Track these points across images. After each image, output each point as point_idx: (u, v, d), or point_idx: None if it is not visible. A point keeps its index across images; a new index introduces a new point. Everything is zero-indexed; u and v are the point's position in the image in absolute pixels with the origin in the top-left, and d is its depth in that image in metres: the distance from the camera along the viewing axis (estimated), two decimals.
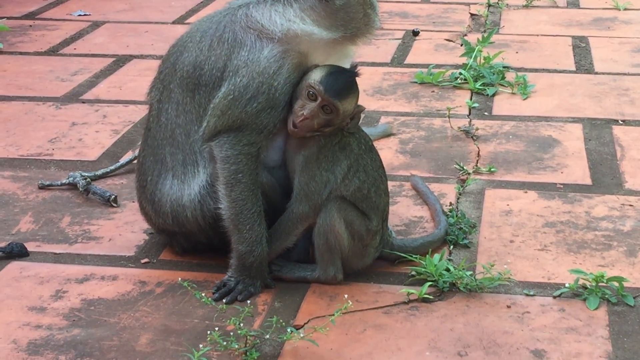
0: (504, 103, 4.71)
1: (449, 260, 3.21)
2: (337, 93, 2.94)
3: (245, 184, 3.00)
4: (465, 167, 3.93)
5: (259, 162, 3.02)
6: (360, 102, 3.08)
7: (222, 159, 3.00)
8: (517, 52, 5.50)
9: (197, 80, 3.07)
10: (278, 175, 3.11)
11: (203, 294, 2.89)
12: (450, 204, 3.61)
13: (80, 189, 3.73)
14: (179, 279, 3.05)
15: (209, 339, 2.73)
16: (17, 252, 3.29)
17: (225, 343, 2.71)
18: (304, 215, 3.04)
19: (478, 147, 4.17)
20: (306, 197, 3.02)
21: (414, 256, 3.17)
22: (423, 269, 3.10)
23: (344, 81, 2.98)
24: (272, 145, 3.06)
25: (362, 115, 3.12)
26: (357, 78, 3.03)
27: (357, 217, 3.06)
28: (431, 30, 5.99)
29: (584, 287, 3.05)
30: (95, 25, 6.14)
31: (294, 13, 3.00)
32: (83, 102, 4.76)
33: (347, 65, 3.08)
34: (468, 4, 6.61)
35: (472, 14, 6.37)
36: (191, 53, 3.10)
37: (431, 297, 3.02)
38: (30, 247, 3.34)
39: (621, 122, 4.45)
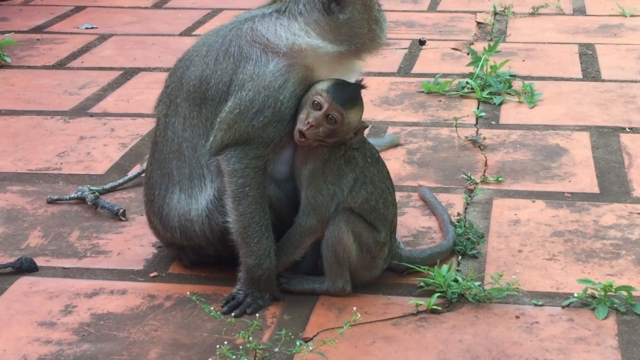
0: (511, 112, 4.71)
1: (457, 271, 3.21)
2: (343, 102, 2.95)
3: (252, 197, 3.00)
4: (472, 177, 3.94)
5: (266, 175, 3.03)
6: (366, 112, 3.10)
7: (229, 173, 3.01)
8: (523, 61, 5.50)
9: (204, 94, 3.08)
10: (285, 188, 3.11)
11: (212, 308, 2.90)
12: (458, 214, 3.62)
13: (89, 203, 3.74)
14: (188, 292, 3.07)
15: (218, 352, 2.74)
16: (26, 267, 3.30)
17: (234, 357, 2.71)
18: (311, 228, 3.04)
19: (485, 157, 4.17)
20: (314, 210, 3.02)
21: (422, 267, 3.17)
22: (431, 280, 3.10)
23: (350, 91, 3.00)
24: (280, 158, 3.07)
25: (366, 132, 3.12)
26: (363, 90, 3.04)
27: (365, 229, 3.07)
28: (438, 40, 5.99)
29: (593, 297, 3.04)
30: (103, 38, 6.16)
31: (298, 27, 3.01)
32: (91, 116, 4.77)
33: (352, 80, 3.09)
34: (474, 13, 6.62)
35: (478, 23, 6.37)
36: (197, 67, 3.11)
37: (440, 308, 3.02)
38: (40, 262, 3.35)
39: (628, 130, 4.45)
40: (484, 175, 3.97)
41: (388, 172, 3.18)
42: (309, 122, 2.93)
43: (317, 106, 2.95)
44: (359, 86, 3.04)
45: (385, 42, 3.12)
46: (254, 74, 2.99)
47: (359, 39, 3.05)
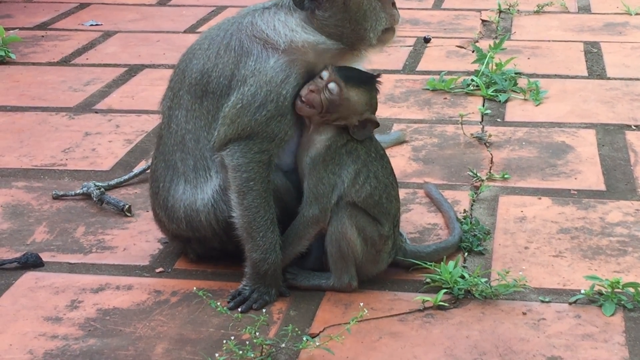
0: (517, 109, 4.70)
1: (464, 267, 3.21)
2: (345, 77, 3.00)
3: (257, 191, 3.00)
4: (478, 174, 3.93)
5: (271, 169, 3.03)
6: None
7: (233, 168, 3.01)
8: (528, 58, 5.49)
9: (205, 87, 3.08)
10: (293, 179, 3.11)
11: (218, 303, 2.89)
12: (464, 210, 3.61)
13: (94, 199, 3.74)
14: (194, 288, 3.06)
15: (224, 348, 2.73)
16: (32, 263, 3.30)
17: (241, 352, 2.71)
18: (314, 218, 3.04)
19: (491, 154, 4.17)
20: (315, 199, 3.02)
21: (428, 263, 3.17)
22: (438, 276, 3.10)
23: (357, 73, 3.05)
24: (286, 149, 3.07)
25: (374, 129, 3.11)
26: (378, 85, 3.08)
27: (369, 223, 3.06)
28: (442, 37, 5.99)
29: (600, 293, 3.04)
30: (107, 35, 6.16)
31: (295, 22, 3.01)
32: (96, 112, 4.77)
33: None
34: (479, 10, 6.61)
35: (483, 20, 6.37)
36: (199, 60, 3.12)
37: (446, 304, 3.01)
38: (45, 257, 3.35)
39: (634, 128, 4.44)
40: (489, 172, 3.96)
41: (392, 168, 3.17)
42: (309, 88, 2.96)
43: (321, 77, 2.99)
44: (372, 76, 3.06)
45: (374, 44, 3.05)
46: (256, 70, 2.99)
47: (346, 38, 3.02)
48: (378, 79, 3.09)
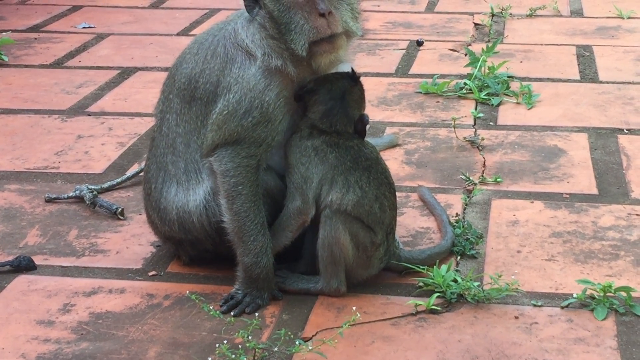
0: (509, 113, 4.71)
1: (456, 271, 3.21)
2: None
3: (246, 195, 3.01)
4: (471, 178, 3.93)
5: (259, 174, 3.04)
6: (365, 113, 3.11)
7: (221, 173, 3.02)
8: (521, 62, 5.50)
9: (192, 93, 3.11)
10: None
11: (211, 307, 2.90)
12: (457, 214, 3.61)
13: (87, 202, 3.73)
14: (187, 291, 3.06)
15: (217, 352, 2.74)
16: (24, 266, 3.29)
17: (233, 356, 2.71)
18: (297, 209, 3.04)
19: (484, 157, 4.17)
20: (296, 190, 3.04)
21: (421, 267, 3.17)
22: (430, 280, 3.10)
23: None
24: (279, 152, 3.08)
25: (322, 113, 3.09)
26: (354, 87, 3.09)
27: (362, 230, 3.06)
28: (435, 40, 5.99)
29: (592, 298, 3.04)
30: (100, 37, 6.15)
31: (265, 33, 3.02)
32: (88, 115, 4.77)
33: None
34: (472, 14, 6.61)
35: (476, 24, 6.37)
36: (188, 64, 3.15)
37: (439, 308, 3.02)
38: (38, 260, 3.35)
39: (626, 131, 4.45)
40: (482, 175, 3.97)
41: (386, 179, 3.13)
42: None
43: None
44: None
45: (300, 54, 2.95)
46: (239, 77, 3.01)
47: (285, 45, 2.98)
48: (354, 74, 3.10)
